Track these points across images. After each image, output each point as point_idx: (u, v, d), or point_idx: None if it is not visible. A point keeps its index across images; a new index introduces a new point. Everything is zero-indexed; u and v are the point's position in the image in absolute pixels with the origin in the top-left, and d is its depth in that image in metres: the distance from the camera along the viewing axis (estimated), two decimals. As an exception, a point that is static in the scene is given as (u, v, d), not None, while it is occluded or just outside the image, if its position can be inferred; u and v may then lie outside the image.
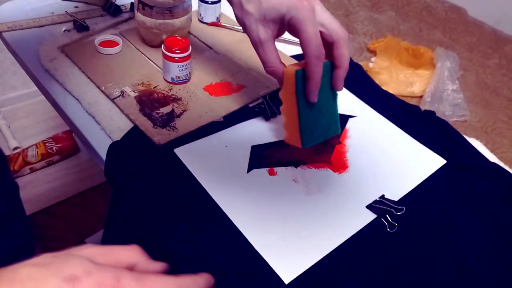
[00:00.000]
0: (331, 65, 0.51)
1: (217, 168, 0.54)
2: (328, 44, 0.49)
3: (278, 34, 0.51)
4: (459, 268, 0.48)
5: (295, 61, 0.71)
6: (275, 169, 0.55)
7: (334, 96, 0.55)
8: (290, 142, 0.56)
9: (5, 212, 0.55)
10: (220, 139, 0.58)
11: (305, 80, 0.50)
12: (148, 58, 0.70)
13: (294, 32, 0.48)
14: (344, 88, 0.71)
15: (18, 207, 0.58)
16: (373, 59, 1.85)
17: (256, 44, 0.51)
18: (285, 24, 0.48)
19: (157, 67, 0.68)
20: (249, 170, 0.55)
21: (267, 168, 0.55)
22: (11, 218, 0.56)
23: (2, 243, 0.56)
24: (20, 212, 0.59)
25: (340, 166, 0.57)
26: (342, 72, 0.50)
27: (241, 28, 0.78)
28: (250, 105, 0.64)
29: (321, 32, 0.48)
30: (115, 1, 0.78)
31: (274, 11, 0.47)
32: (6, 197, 0.55)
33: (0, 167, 0.54)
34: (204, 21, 0.80)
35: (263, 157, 0.57)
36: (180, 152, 0.55)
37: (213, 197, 0.51)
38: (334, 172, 0.56)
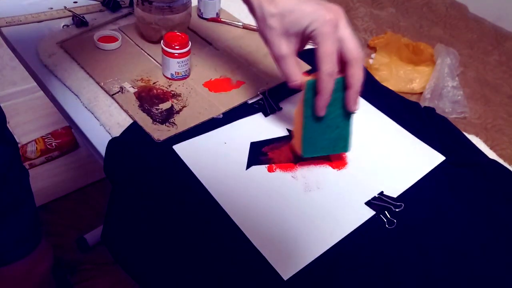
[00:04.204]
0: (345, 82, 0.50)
1: (216, 165, 0.54)
2: (343, 62, 0.49)
3: (300, 47, 0.51)
4: (458, 264, 0.48)
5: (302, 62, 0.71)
6: (274, 165, 0.55)
7: (347, 114, 0.52)
8: (294, 147, 0.56)
9: (15, 197, 0.56)
10: (219, 136, 0.58)
11: (315, 92, 0.49)
12: (148, 54, 0.69)
13: (314, 43, 0.48)
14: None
15: (28, 192, 0.59)
16: (373, 55, 1.84)
17: (278, 59, 0.51)
18: (305, 37, 0.48)
19: (157, 63, 0.68)
20: (248, 167, 0.55)
21: (266, 165, 0.55)
22: (20, 204, 0.57)
23: (13, 226, 0.57)
24: (30, 198, 0.60)
25: (339, 162, 0.57)
26: (353, 92, 0.49)
27: (240, 24, 0.79)
28: (250, 101, 0.64)
29: (338, 47, 0.48)
30: (114, -4, 0.78)
31: (297, 24, 0.47)
32: (16, 182, 0.56)
33: (12, 154, 0.55)
34: (204, 16, 0.79)
35: (262, 153, 0.57)
36: (179, 148, 0.55)
37: (211, 193, 0.51)
38: (333, 168, 0.56)
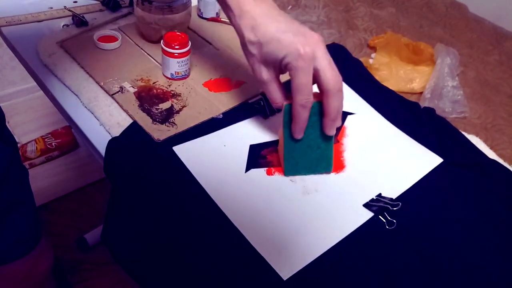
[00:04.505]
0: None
1: (216, 167, 0.54)
2: (320, 90, 0.49)
3: (282, 72, 0.51)
4: (458, 264, 0.48)
5: None
6: (273, 169, 0.55)
7: (328, 136, 0.53)
8: (280, 164, 0.56)
9: (15, 197, 0.56)
10: (218, 138, 0.58)
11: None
12: (147, 54, 0.69)
13: (289, 75, 0.49)
14: (344, 84, 0.71)
15: (28, 192, 0.59)
16: (373, 55, 1.84)
17: (260, 84, 0.52)
18: (282, 67, 0.49)
19: (156, 63, 0.68)
20: (247, 170, 0.55)
21: (265, 168, 0.55)
22: (20, 203, 0.57)
23: (13, 225, 0.57)
24: (29, 197, 0.60)
25: (337, 166, 0.57)
26: (328, 120, 0.50)
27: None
28: (250, 101, 0.64)
29: (316, 76, 0.48)
30: (114, -4, 0.78)
31: (274, 55, 0.48)
32: (16, 182, 0.56)
33: (11, 153, 0.55)
34: (204, 16, 0.79)
35: (261, 156, 0.57)
36: (179, 150, 0.55)
37: (211, 195, 0.51)
38: (332, 171, 0.56)
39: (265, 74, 0.51)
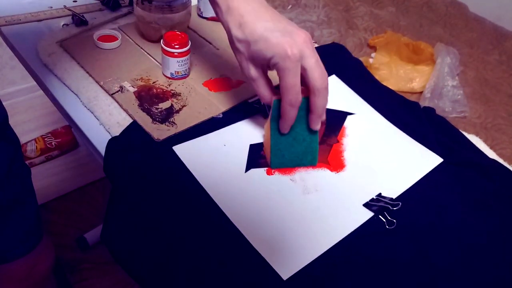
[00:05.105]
0: None
1: (216, 167, 0.54)
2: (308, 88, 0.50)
3: (270, 69, 0.51)
4: (458, 263, 0.48)
5: None
6: (273, 168, 0.55)
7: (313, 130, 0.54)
8: (266, 157, 0.56)
9: (17, 195, 0.56)
10: (218, 138, 0.58)
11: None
12: (147, 53, 0.69)
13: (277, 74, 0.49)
14: (344, 84, 0.71)
15: (30, 190, 0.59)
16: (373, 54, 1.84)
17: (248, 80, 0.52)
18: (270, 66, 0.49)
19: (156, 62, 0.68)
20: (247, 169, 0.55)
21: (265, 168, 0.55)
22: (22, 202, 0.57)
23: (15, 223, 0.58)
24: (31, 196, 0.60)
25: (337, 165, 0.57)
26: (315, 117, 0.51)
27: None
28: (250, 101, 0.64)
29: (303, 75, 0.48)
30: (114, -5, 0.78)
31: (261, 55, 0.48)
32: (18, 180, 0.56)
33: (13, 152, 0.55)
34: (204, 16, 0.79)
35: (261, 156, 0.57)
36: (179, 149, 0.55)
37: (211, 195, 0.51)
38: (332, 171, 0.56)
39: (253, 71, 0.51)
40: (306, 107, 0.51)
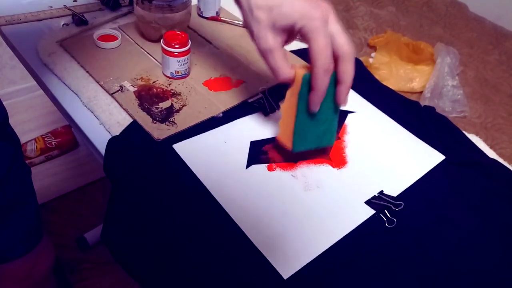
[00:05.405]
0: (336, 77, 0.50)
1: (216, 164, 0.54)
2: (334, 57, 0.48)
3: (286, 42, 0.50)
4: (458, 263, 0.48)
5: (299, 59, 0.71)
6: (274, 164, 0.55)
7: (336, 108, 0.53)
8: (281, 140, 0.54)
9: (17, 195, 0.56)
10: (219, 135, 0.58)
11: (310, 86, 0.49)
12: (147, 53, 0.69)
13: (305, 40, 0.47)
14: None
15: (30, 190, 0.59)
16: (373, 54, 1.84)
17: (265, 53, 0.48)
18: (295, 32, 0.47)
19: (156, 62, 0.68)
20: (248, 166, 0.55)
21: (266, 164, 0.55)
22: (22, 201, 0.57)
23: (15, 223, 0.57)
24: (31, 196, 0.60)
25: (339, 161, 0.57)
26: (344, 88, 0.49)
27: (240, 22, 0.78)
28: (250, 100, 0.64)
29: None
30: (114, -5, 0.78)
31: (285, 19, 0.46)
32: (18, 180, 0.56)
33: (13, 152, 0.55)
34: (204, 15, 0.79)
35: (262, 152, 0.57)
36: (179, 147, 0.55)
37: (211, 192, 0.51)
38: (333, 167, 0.56)
39: (271, 40, 0.47)
40: (331, 83, 0.49)
